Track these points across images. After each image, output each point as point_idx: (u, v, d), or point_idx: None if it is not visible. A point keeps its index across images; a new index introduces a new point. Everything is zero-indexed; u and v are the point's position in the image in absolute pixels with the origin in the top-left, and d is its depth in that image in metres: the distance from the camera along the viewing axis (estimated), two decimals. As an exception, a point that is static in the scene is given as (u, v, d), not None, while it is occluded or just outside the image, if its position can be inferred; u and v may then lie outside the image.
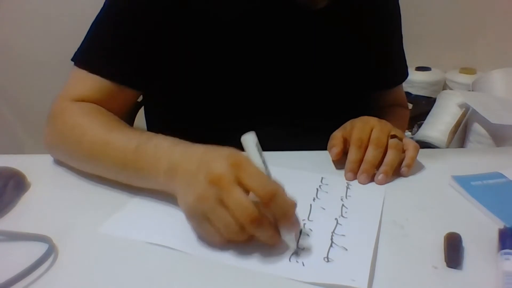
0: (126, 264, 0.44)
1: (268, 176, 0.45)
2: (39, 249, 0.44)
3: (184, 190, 0.47)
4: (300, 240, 0.46)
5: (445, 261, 0.44)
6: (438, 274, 0.43)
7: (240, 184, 0.43)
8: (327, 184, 0.58)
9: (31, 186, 0.58)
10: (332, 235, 0.48)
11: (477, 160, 0.67)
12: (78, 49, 0.65)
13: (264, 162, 0.46)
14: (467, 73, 1.84)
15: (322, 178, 0.60)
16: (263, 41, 0.67)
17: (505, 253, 0.42)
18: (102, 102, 0.63)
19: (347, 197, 0.56)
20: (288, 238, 0.45)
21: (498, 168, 0.61)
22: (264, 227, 0.43)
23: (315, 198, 0.55)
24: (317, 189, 0.57)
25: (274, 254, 0.45)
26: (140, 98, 0.86)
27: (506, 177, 0.59)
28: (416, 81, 1.85)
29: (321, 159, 0.65)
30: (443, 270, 0.43)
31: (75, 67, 0.64)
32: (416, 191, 0.58)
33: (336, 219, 0.51)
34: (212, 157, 0.46)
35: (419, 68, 1.86)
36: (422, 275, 0.43)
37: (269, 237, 0.44)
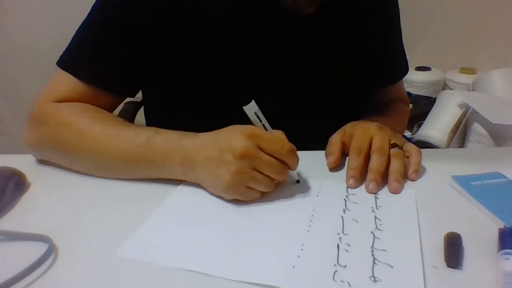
0: (125, 264, 0.44)
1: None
2: (39, 249, 0.44)
3: (214, 175, 0.52)
4: (339, 256, 0.44)
5: (445, 261, 0.44)
6: (438, 274, 0.42)
7: (261, 149, 0.51)
8: (354, 194, 0.56)
9: (31, 186, 0.58)
10: (372, 251, 0.45)
11: (477, 160, 0.67)
12: (64, 52, 0.66)
13: (265, 125, 0.54)
14: (467, 73, 1.83)
15: (347, 187, 0.58)
16: (255, 43, 0.67)
17: (505, 253, 0.42)
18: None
19: (378, 207, 0.53)
20: (292, 173, 0.57)
21: (498, 168, 0.61)
22: (287, 174, 0.55)
23: (345, 209, 0.53)
24: (345, 200, 0.55)
25: (316, 273, 0.42)
26: (140, 98, 0.86)
27: (506, 177, 0.59)
28: (416, 81, 1.85)
29: (319, 160, 0.65)
30: (443, 270, 0.43)
31: (58, 69, 0.64)
32: (416, 191, 0.57)
33: (372, 232, 0.48)
34: (228, 137, 0.52)
35: (419, 68, 1.86)
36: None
37: (285, 180, 0.56)
